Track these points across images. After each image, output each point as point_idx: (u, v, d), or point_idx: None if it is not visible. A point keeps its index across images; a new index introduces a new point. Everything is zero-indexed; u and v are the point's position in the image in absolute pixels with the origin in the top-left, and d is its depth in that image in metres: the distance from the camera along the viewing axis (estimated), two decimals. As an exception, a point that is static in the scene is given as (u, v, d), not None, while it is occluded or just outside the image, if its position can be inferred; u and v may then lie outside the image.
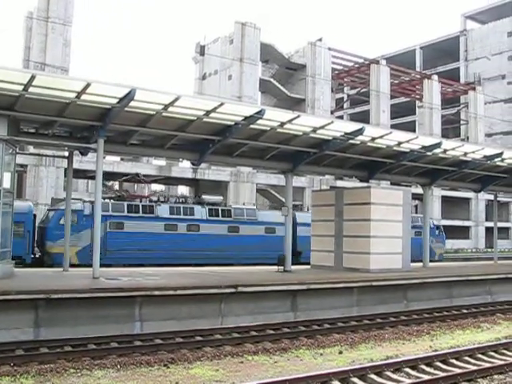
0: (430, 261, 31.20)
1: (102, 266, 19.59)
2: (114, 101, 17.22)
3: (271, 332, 16.27)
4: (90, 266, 21.04)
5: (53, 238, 29.07)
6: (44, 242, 30.02)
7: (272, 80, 57.66)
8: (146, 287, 16.71)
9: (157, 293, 16.52)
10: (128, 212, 31.15)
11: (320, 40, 59.53)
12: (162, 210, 32.14)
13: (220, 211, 34.53)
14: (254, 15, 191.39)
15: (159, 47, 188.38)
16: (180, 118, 19.23)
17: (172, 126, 19.75)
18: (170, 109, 18.10)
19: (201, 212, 33.77)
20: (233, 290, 17.90)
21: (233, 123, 19.85)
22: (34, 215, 30.97)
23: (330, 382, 10.76)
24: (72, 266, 24.25)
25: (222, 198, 39.14)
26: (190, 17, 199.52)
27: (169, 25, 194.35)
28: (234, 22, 53.41)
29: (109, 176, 42.66)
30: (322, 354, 13.55)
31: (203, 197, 36.26)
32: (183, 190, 78.49)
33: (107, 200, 31.32)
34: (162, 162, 50.04)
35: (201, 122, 19.56)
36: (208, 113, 18.77)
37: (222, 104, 18.39)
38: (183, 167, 50.11)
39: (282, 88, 57.70)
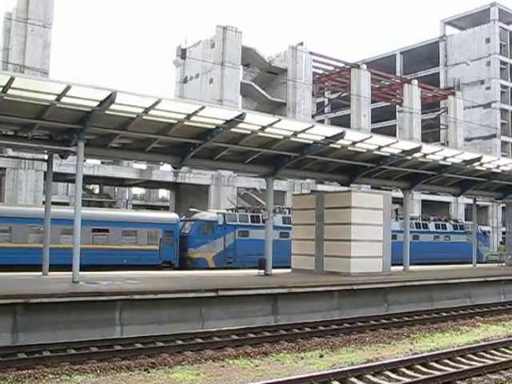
0: (479, 262, 34.96)
1: (233, 268, 22.28)
2: (95, 104, 17.12)
3: (252, 336, 16.26)
4: (225, 268, 25.79)
5: (194, 245, 33.58)
6: (186, 248, 33.87)
7: (253, 84, 57.65)
8: (126, 291, 16.61)
9: (137, 297, 16.43)
10: (251, 222, 35.66)
11: (301, 44, 59.63)
12: (277, 220, 35.33)
13: None
14: (236, 19, 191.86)
15: (141, 50, 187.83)
16: (161, 122, 19.17)
17: (153, 129, 19.68)
18: (151, 112, 18.04)
19: None
20: (213, 294, 17.86)
21: (214, 127, 19.82)
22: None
23: (311, 386, 10.78)
24: (208, 269, 28.34)
25: None
26: (171, 20, 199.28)
27: (150, 28, 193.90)
28: (216, 25, 53.34)
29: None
30: (302, 358, 13.57)
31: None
32: (164, 193, 78.34)
33: (235, 212, 36.53)
34: (142, 166, 49.83)
35: (182, 126, 19.51)
36: (189, 116, 18.73)
37: (202, 107, 18.37)
38: (164, 171, 49.93)
39: (263, 92, 57.72)
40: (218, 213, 35.96)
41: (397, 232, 40.41)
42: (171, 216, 35.46)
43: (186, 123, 19.31)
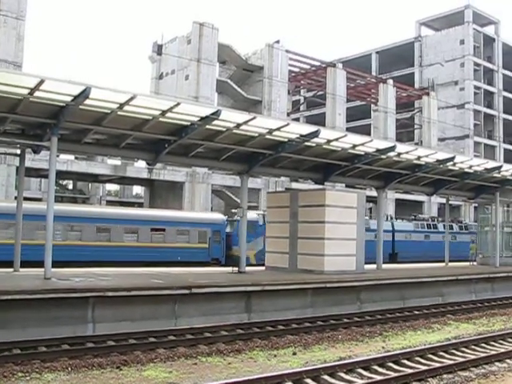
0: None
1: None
2: (69, 98, 16.94)
3: (225, 333, 16.26)
4: (263, 265, 27.24)
5: (237, 244, 33.64)
6: (231, 246, 35.39)
7: (229, 81, 57.50)
8: (98, 288, 16.49)
9: (110, 294, 16.31)
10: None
11: (277, 42, 59.63)
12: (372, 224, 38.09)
13: None
14: (213, 16, 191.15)
15: (117, 46, 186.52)
16: (136, 118, 19.04)
17: (127, 125, 19.54)
18: (126, 108, 17.91)
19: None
20: (187, 292, 17.81)
21: (189, 123, 19.74)
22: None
23: (283, 384, 10.80)
24: (251, 265, 29.33)
25: None
26: (148, 15, 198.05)
27: (127, 23, 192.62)
28: (192, 21, 53.13)
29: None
30: (275, 356, 13.60)
31: None
32: (138, 190, 77.92)
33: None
34: (117, 162, 49.47)
35: (157, 122, 19.40)
36: (164, 112, 18.63)
37: (178, 104, 18.29)
38: (138, 167, 49.62)
39: (238, 89, 57.61)
40: (258, 214, 37.80)
41: (410, 232, 46.14)
42: (219, 217, 38.02)
43: (160, 119, 19.21)
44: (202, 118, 19.31)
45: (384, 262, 33.03)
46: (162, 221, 34.56)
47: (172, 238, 34.62)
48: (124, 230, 33.03)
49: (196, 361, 12.88)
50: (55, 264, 19.09)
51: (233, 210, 40.45)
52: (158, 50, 58.66)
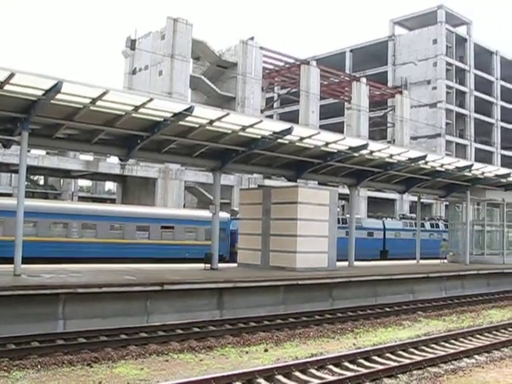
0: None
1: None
2: (40, 93, 16.73)
3: (197, 330, 16.27)
4: None
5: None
6: (234, 243, 35.84)
7: (203, 77, 57.29)
8: (69, 285, 16.35)
9: (81, 290, 16.20)
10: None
11: (252, 39, 59.54)
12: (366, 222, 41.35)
13: None
14: (187, 12, 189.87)
15: (91, 40, 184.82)
16: (108, 113, 18.87)
17: (100, 120, 19.36)
18: (98, 103, 17.73)
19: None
20: (159, 288, 17.75)
21: (162, 119, 19.64)
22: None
23: (255, 380, 10.83)
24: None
25: None
26: (122, 10, 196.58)
27: (101, 18, 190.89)
28: (166, 17, 52.83)
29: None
30: (247, 352, 13.62)
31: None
32: (110, 186, 77.33)
33: None
34: (89, 157, 49.06)
35: (129, 118, 19.25)
36: (137, 108, 18.49)
37: (151, 100, 18.16)
38: (111, 163, 49.24)
39: (212, 86, 57.43)
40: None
41: (400, 230, 48.21)
42: (224, 215, 37.48)
43: (133, 115, 19.06)
44: (175, 114, 19.21)
45: (375, 259, 36.96)
46: (171, 219, 35.24)
47: (181, 236, 35.59)
48: (136, 228, 34.34)
49: (168, 358, 12.85)
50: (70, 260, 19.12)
51: (232, 209, 41.82)
52: (132, 44, 58.18)
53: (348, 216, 44.95)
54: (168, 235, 35.12)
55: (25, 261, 18.54)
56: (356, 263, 29.94)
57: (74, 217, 32.33)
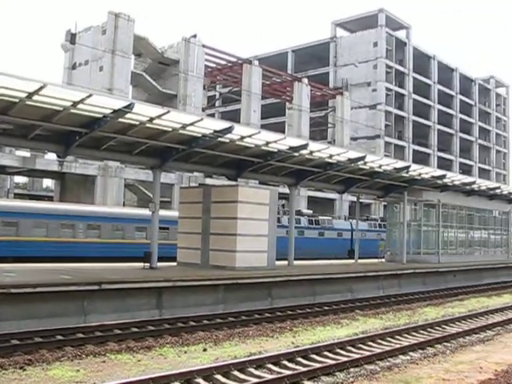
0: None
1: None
2: (-28, 86, 16.20)
3: (136, 330, 16.09)
4: None
5: None
6: None
7: (144, 74, 56.67)
8: (2, 285, 15.89)
9: (14, 290, 15.76)
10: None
11: (194, 36, 59.20)
12: (284, 220, 40.20)
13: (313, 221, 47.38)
14: (130, 7, 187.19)
15: (29, 33, 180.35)
16: (45, 108, 18.39)
17: (36, 115, 18.87)
18: (35, 97, 17.27)
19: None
20: (96, 288, 17.46)
21: (101, 116, 19.30)
22: None
23: (193, 380, 10.78)
24: None
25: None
26: (63, 2, 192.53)
27: (41, 11, 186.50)
28: (108, 12, 52.03)
29: None
30: (186, 352, 13.55)
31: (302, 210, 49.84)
32: (48, 183, 75.67)
33: None
34: (26, 153, 47.86)
35: (68, 113, 18.83)
36: (75, 104, 18.11)
37: (90, 95, 17.82)
38: (49, 159, 48.15)
39: (154, 83, 56.88)
40: None
41: (365, 231, 49.41)
42: (172, 213, 37.82)
43: (72, 111, 18.64)
44: (115, 111, 18.92)
45: (343, 258, 39.86)
46: (166, 220, 34.10)
47: (175, 236, 35.22)
48: (136, 229, 36.20)
49: (105, 358, 12.64)
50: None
51: (150, 204, 40.76)
52: (72, 38, 56.92)
53: (321, 218, 49.23)
54: (164, 235, 34.37)
55: None
56: (298, 262, 30.20)
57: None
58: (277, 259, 26.76)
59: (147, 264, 23.95)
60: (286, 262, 29.22)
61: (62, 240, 32.86)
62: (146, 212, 28.46)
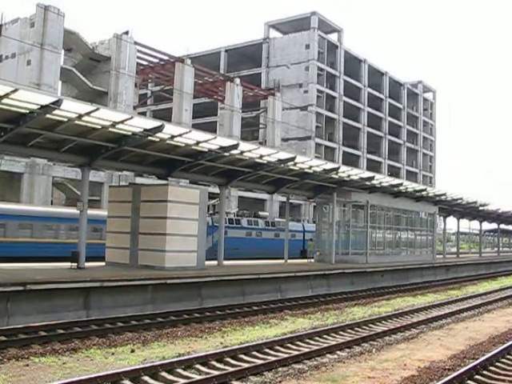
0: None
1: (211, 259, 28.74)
2: None
3: (61, 331, 15.74)
4: (213, 259, 29.48)
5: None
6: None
7: (74, 70, 55.50)
8: None
9: None
10: (229, 223, 42.85)
11: (126, 33, 58.36)
12: (244, 222, 45.57)
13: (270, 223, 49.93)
14: (61, 1, 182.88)
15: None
16: (-33, 103, 17.83)
17: (-42, 110, 18.25)
18: (-45, 91, 16.72)
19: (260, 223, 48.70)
20: (21, 288, 17.00)
21: (28, 111, 18.82)
22: None
23: (120, 382, 10.67)
24: None
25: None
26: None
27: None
28: (36, 4, 50.73)
29: None
30: (113, 353, 13.36)
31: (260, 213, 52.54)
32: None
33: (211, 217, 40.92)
34: None
35: (-8, 109, 18.29)
36: (0, 98, 17.59)
37: (16, 90, 17.32)
38: (-28, 155, 46.62)
39: (84, 79, 55.78)
40: (208, 215, 38.95)
41: (310, 232, 49.79)
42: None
43: (-4, 106, 18.14)
44: (42, 107, 18.47)
45: (295, 258, 40.75)
46: (97, 220, 33.61)
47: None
48: (70, 229, 35.09)
49: (28, 362, 12.29)
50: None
51: (78, 203, 40.04)
52: (-3, 30, 55.27)
53: (276, 220, 52.23)
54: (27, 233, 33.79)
55: None
56: (228, 262, 30.27)
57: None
58: (236, 259, 27.15)
59: (74, 264, 23.50)
60: (236, 262, 29.44)
61: None
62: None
